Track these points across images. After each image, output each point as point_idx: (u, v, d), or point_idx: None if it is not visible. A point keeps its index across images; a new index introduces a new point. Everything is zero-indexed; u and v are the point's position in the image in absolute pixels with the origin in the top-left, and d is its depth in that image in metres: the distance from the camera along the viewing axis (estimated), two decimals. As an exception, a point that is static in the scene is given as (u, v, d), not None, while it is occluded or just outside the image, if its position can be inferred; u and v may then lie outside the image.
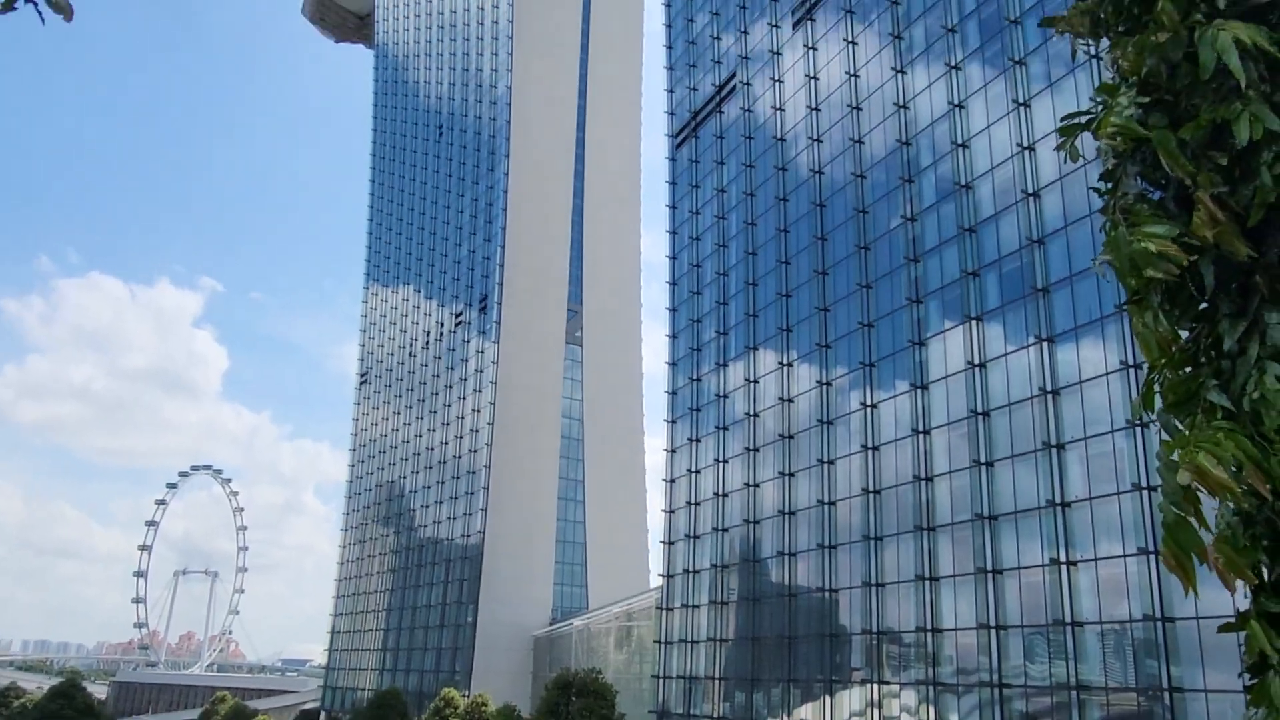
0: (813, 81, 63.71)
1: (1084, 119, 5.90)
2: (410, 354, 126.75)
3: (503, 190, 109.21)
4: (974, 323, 47.34)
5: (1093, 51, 7.22)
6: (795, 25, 66.81)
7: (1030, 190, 45.35)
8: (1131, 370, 38.38)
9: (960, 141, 50.55)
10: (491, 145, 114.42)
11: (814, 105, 63.06)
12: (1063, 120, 6.16)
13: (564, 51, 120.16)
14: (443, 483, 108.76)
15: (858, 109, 58.87)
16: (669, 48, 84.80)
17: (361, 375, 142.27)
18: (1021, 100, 46.99)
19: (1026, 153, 46.18)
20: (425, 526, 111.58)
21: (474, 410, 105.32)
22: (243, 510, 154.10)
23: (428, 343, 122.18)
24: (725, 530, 64.75)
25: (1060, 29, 6.51)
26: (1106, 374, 39.83)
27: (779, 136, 66.43)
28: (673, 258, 78.30)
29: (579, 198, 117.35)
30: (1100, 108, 5.79)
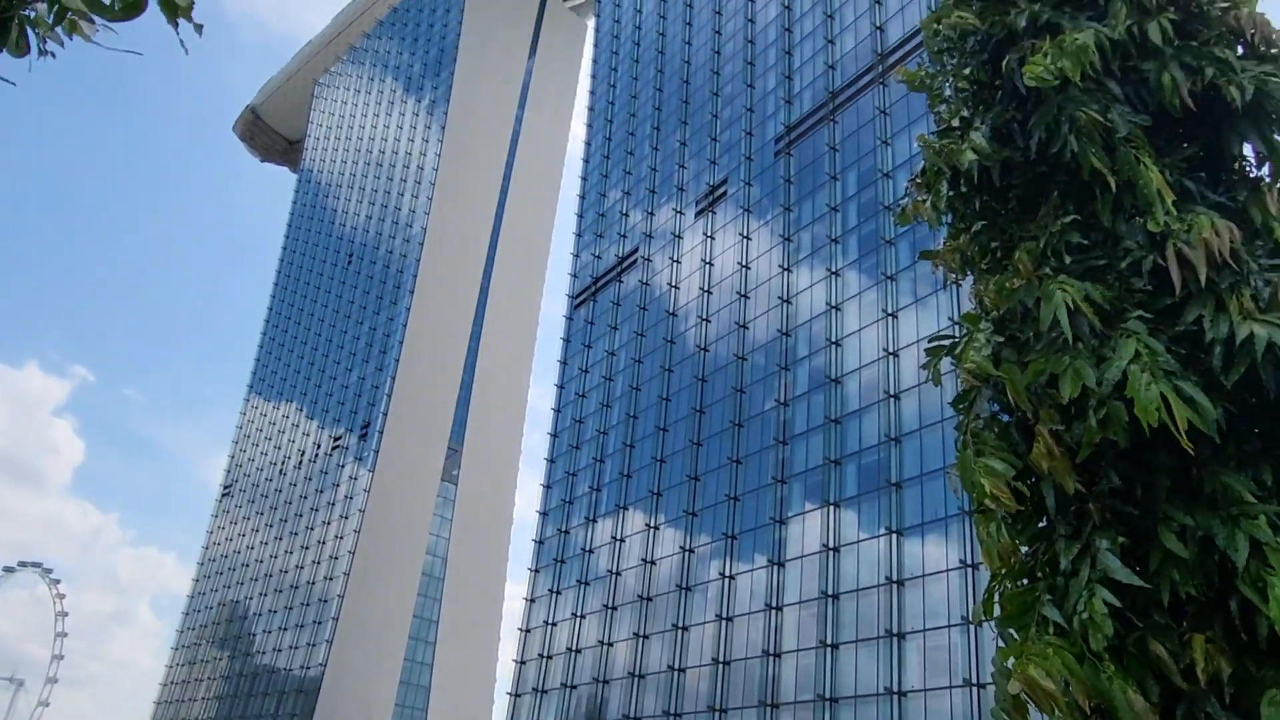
0: (707, 266, 68.96)
1: (947, 343, 7.30)
2: (280, 472, 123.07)
3: (402, 324, 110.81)
4: (832, 508, 50.44)
5: (956, 279, 8.28)
6: (698, 214, 72.75)
7: (892, 392, 49.79)
8: (970, 570, 41.48)
9: (834, 339, 55.35)
10: (398, 279, 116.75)
11: (706, 288, 68.00)
12: (929, 343, 7.45)
13: (482, 203, 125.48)
14: (290, 608, 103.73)
15: (745, 297, 63.87)
16: (580, 215, 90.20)
17: (225, 488, 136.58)
18: (890, 311, 52.24)
19: (891, 357, 50.96)
20: (264, 653, 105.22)
21: (337, 537, 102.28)
22: (66, 615, 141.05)
23: (300, 462, 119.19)
24: (574, 688, 64.12)
25: (935, 263, 8.00)
26: (947, 570, 42.85)
27: (671, 311, 70.88)
28: (557, 410, 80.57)
29: (475, 341, 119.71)
30: (962, 333, 7.08)
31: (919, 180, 7.83)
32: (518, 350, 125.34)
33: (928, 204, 7.57)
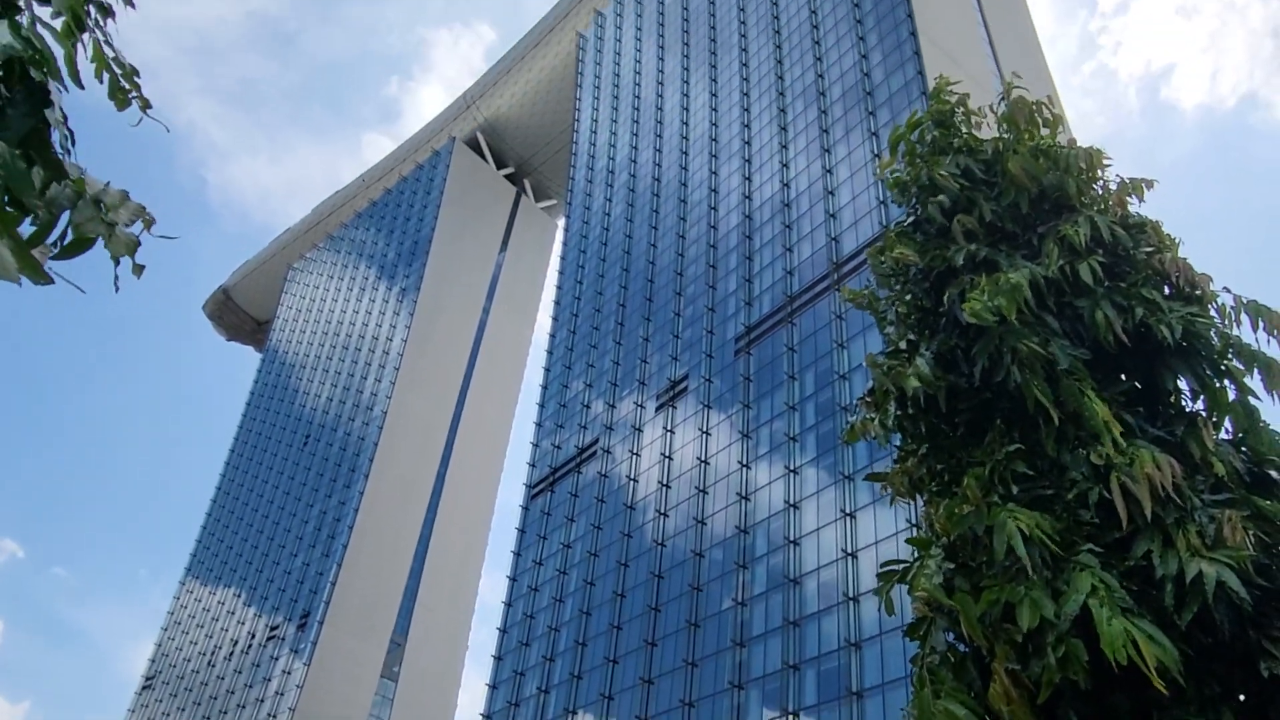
0: (667, 460, 68.93)
1: (899, 568, 7.17)
2: (209, 663, 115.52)
3: (354, 509, 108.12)
4: (792, 717, 48.08)
5: (905, 502, 8.22)
6: (659, 408, 73.52)
7: (851, 594, 48.76)
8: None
9: (792, 538, 54.70)
10: (354, 463, 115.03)
11: (665, 482, 67.67)
12: (881, 568, 7.34)
13: (445, 390, 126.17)
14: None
15: (704, 492, 63.53)
16: (541, 405, 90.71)
17: (147, 679, 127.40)
18: (849, 511, 52.06)
19: (850, 558, 50.26)
20: None
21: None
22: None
23: (232, 653, 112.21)
24: None
25: (884, 485, 7.96)
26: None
27: (629, 505, 70.08)
28: (508, 604, 77.60)
29: (428, 529, 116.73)
30: (913, 557, 6.97)
31: (868, 399, 7.97)
32: (471, 541, 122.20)
33: (876, 423, 7.68)
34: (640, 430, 74.50)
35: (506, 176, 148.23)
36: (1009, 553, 5.83)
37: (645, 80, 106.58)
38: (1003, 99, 8.46)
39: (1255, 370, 6.69)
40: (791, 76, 79.06)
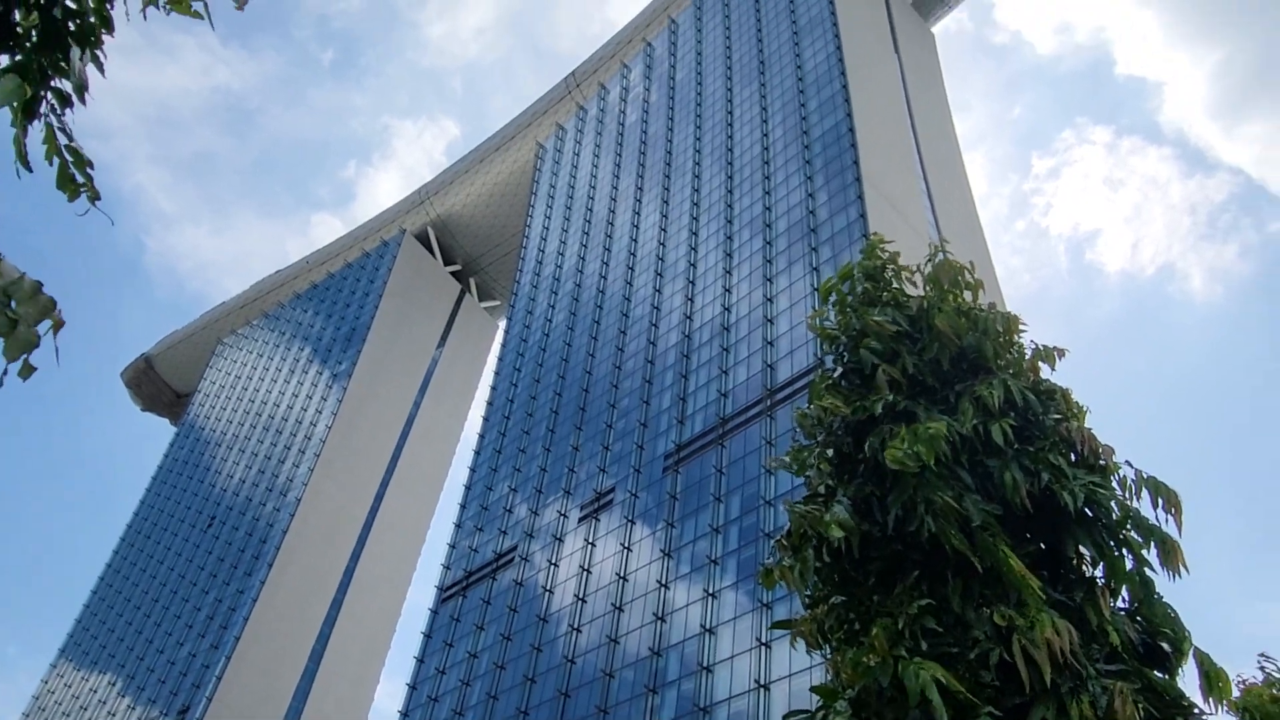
0: (585, 574, 67.55)
1: (804, 719, 7.01)
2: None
3: (252, 598, 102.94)
4: None
5: (813, 650, 8.11)
6: (582, 519, 72.50)
7: (759, 729, 47.55)
8: None
9: (706, 665, 53.52)
10: (259, 550, 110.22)
11: (581, 595, 66.13)
12: (785, 718, 7.28)
13: (365, 481, 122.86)
14: None
15: (620, 610, 62.12)
16: (463, 506, 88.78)
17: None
18: (764, 641, 51.29)
19: (763, 690, 49.23)
20: None
21: None
22: None
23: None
24: None
25: (794, 633, 7.83)
26: None
27: (542, 616, 68.11)
28: (405, 714, 73.79)
29: (329, 626, 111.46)
30: (817, 706, 6.85)
31: (784, 542, 8.01)
32: (373, 642, 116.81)
33: (796, 571, 7.70)
34: (561, 540, 73.17)
35: (453, 273, 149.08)
36: (921, 704, 5.81)
37: (599, 195, 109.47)
38: (930, 260, 8.94)
39: (1152, 544, 6.95)
40: (740, 206, 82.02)
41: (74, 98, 4.28)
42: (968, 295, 8.78)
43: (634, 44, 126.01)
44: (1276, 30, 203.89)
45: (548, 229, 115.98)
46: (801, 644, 7.56)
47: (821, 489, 8.20)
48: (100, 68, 4.46)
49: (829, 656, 7.16)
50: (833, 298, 9.26)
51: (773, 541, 8.13)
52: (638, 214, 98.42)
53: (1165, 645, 6.68)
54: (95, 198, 4.46)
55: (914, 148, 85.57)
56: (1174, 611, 6.76)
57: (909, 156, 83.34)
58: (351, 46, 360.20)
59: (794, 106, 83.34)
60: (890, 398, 7.73)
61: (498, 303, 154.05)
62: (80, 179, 4.34)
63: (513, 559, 76.58)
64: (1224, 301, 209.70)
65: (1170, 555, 6.88)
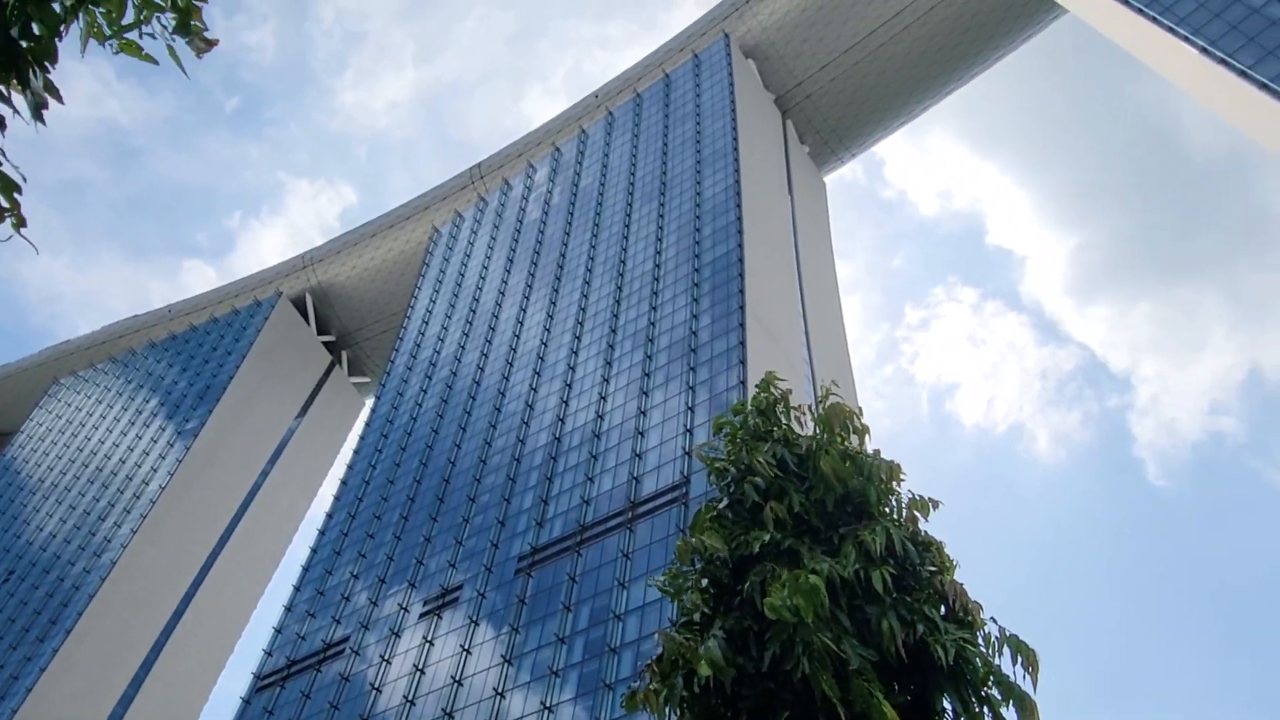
0: (419, 673, 64.20)
1: None
2: None
3: (40, 667, 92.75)
4: None
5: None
6: (423, 615, 69.34)
7: None
8: None
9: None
10: (58, 614, 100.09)
11: (411, 697, 62.64)
12: None
13: (193, 549, 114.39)
14: None
15: (450, 716, 59.03)
16: (297, 588, 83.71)
17: None
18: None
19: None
20: None
21: None
22: None
23: None
24: None
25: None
26: None
27: (365, 718, 63.97)
28: (197, 814, 67.05)
29: (124, 706, 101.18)
30: None
31: (654, 667, 7.86)
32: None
33: (661, 698, 7.55)
34: (398, 635, 69.59)
35: (325, 343, 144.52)
36: None
37: (488, 287, 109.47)
38: (821, 401, 9.31)
39: (1011, 702, 7.20)
40: (626, 318, 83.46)
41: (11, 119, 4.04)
42: (855, 439, 9.15)
43: (543, 146, 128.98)
44: (1126, 227, 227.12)
45: (431, 313, 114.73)
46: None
47: (697, 616, 8.14)
48: (55, 93, 4.25)
49: None
50: (724, 431, 9.46)
51: (643, 665, 7.90)
52: (524, 311, 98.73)
53: (1019, 805, 6.83)
54: (20, 225, 4.16)
55: (797, 284, 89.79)
56: (1026, 773, 6.96)
57: (791, 292, 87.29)
58: (258, 98, 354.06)
59: (689, 230, 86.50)
60: (774, 536, 7.85)
61: (368, 380, 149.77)
62: (6, 204, 4.05)
63: (343, 650, 72.18)
64: (1066, 465, 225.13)
65: (1028, 714, 7.14)
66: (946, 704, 7.26)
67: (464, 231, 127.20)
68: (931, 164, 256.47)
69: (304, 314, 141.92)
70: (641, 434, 69.25)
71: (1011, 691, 7.17)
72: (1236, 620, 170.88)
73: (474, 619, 65.33)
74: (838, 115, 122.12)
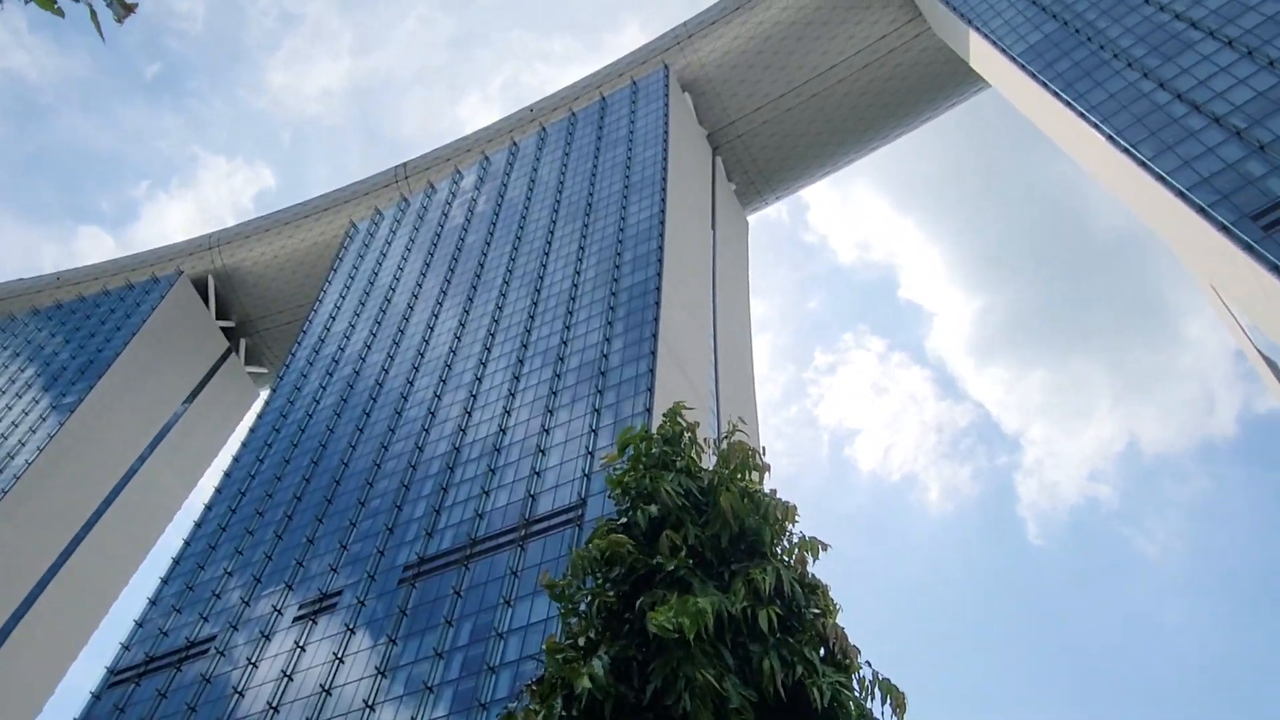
0: (286, 680, 61.87)
1: None
2: None
3: None
4: None
5: None
6: (298, 618, 66.96)
7: None
8: None
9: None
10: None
11: (275, 704, 60.25)
12: None
13: (56, 532, 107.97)
14: None
15: (316, 727, 57.01)
16: (165, 581, 79.87)
17: None
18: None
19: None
20: None
21: None
22: None
23: None
24: None
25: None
26: None
27: (224, 722, 61.22)
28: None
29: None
30: None
31: (534, 687, 7.78)
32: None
33: (540, 716, 7.47)
34: (269, 638, 66.97)
35: (224, 329, 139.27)
36: None
37: (401, 289, 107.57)
38: (725, 438, 9.44)
39: (879, 747, 7.41)
40: (539, 334, 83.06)
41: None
42: (754, 476, 9.31)
43: (473, 153, 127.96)
44: (1028, 294, 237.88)
45: (339, 309, 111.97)
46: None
47: (583, 640, 8.10)
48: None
49: None
50: (630, 451, 9.49)
51: (523, 685, 7.75)
52: (435, 317, 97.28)
53: None
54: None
55: (711, 318, 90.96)
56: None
57: (705, 325, 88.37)
58: (181, 68, 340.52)
59: (610, 253, 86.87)
60: (675, 558, 7.92)
61: (265, 371, 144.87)
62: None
63: (207, 650, 69.04)
64: (953, 517, 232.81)
65: (893, 759, 7.35)
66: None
67: (382, 230, 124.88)
68: (853, 214, 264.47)
69: (204, 296, 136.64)
70: (543, 452, 68.77)
71: (881, 736, 7.38)
72: (1085, 680, 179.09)
73: (351, 627, 63.43)
74: (766, 157, 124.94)
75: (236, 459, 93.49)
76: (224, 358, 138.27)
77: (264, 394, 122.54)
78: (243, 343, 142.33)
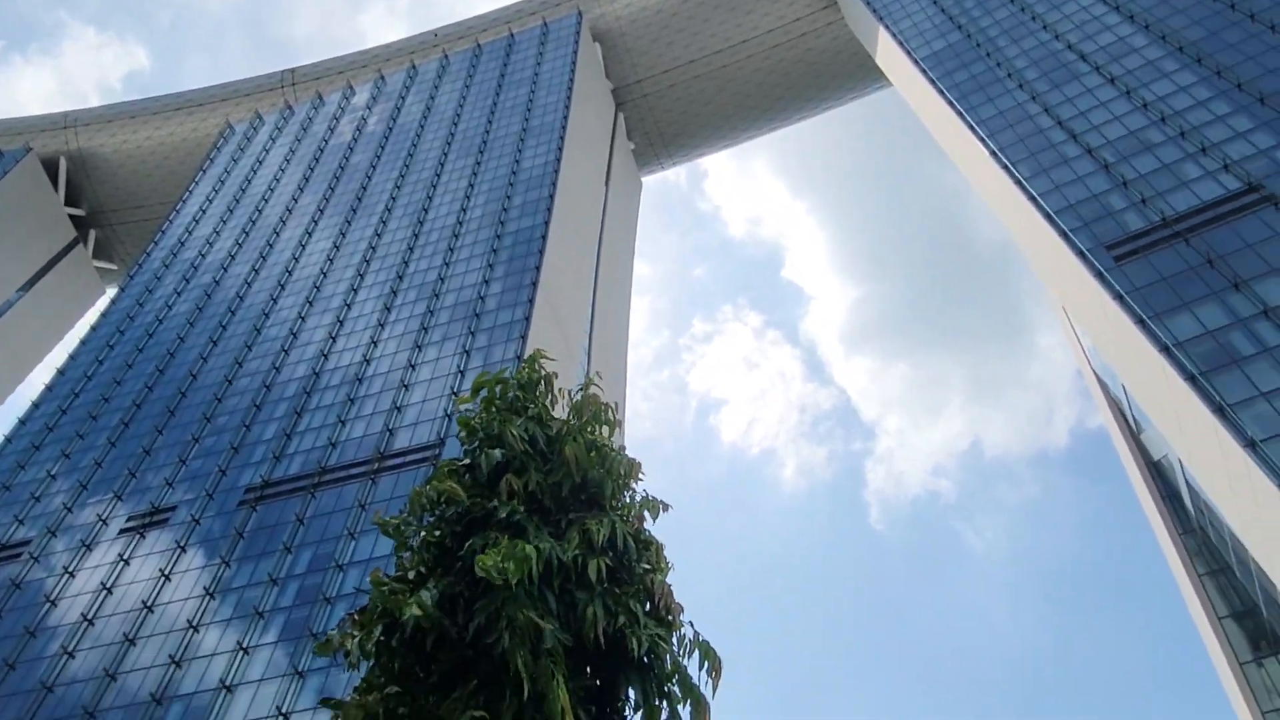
0: (105, 592, 58.97)
1: None
2: None
3: None
4: None
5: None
6: (124, 530, 63.82)
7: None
8: None
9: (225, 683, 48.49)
10: None
11: (90, 617, 57.44)
12: None
13: None
14: None
15: (132, 643, 54.68)
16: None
17: None
18: (284, 711, 47.70)
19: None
20: None
21: None
22: None
23: None
24: None
25: (339, 714, 7.12)
26: None
27: (32, 631, 57.95)
28: None
29: None
30: None
31: (357, 616, 7.69)
32: None
33: (359, 647, 7.40)
34: (90, 548, 63.60)
35: (72, 216, 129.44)
36: None
37: (274, 201, 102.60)
38: (580, 391, 9.47)
39: (688, 702, 7.67)
40: (416, 267, 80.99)
41: None
42: (604, 431, 9.39)
43: (369, 70, 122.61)
44: (903, 291, 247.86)
45: (204, 213, 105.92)
46: (328, 723, 7.18)
47: (412, 574, 8.05)
48: None
49: None
50: (483, 393, 9.41)
51: (345, 615, 7.63)
52: (309, 236, 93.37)
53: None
54: None
55: (593, 274, 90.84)
56: (685, 767, 7.47)
57: (586, 280, 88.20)
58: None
59: (500, 195, 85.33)
60: (511, 504, 7.93)
61: (114, 268, 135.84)
62: None
63: (20, 554, 65.03)
64: (804, 495, 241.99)
65: (699, 715, 7.64)
66: (631, 693, 7.65)
67: (261, 136, 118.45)
68: (749, 189, 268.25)
69: (54, 179, 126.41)
70: (406, 387, 67.42)
71: (691, 692, 7.66)
72: (906, 659, 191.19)
73: (181, 544, 60.93)
74: (669, 120, 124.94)
75: (73, 357, 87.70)
76: (70, 247, 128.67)
77: (111, 291, 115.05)
78: (92, 234, 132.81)
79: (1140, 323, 48.25)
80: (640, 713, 7.62)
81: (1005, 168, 66.39)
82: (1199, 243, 50.75)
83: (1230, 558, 52.04)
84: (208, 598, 56.40)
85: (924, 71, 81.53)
